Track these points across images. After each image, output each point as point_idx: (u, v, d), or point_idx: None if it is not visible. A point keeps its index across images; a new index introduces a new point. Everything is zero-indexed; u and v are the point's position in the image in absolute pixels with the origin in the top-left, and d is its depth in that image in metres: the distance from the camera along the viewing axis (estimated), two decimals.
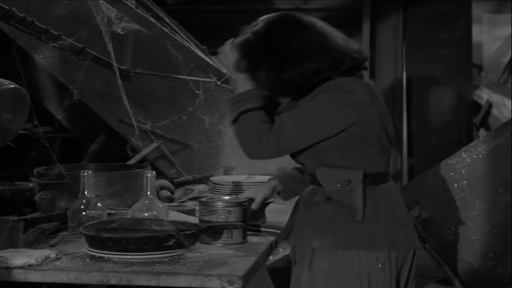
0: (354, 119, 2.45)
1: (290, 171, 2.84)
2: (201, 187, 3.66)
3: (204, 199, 2.70)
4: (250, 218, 2.76)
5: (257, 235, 2.77)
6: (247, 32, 2.57)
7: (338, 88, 2.48)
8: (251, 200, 2.76)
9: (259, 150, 2.49)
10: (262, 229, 2.80)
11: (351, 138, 2.47)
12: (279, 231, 2.72)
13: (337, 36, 2.58)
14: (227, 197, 2.76)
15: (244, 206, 2.67)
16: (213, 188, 3.47)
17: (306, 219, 2.54)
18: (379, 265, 2.45)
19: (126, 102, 3.14)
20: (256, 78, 2.54)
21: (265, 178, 3.10)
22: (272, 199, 2.86)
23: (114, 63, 3.39)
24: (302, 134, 2.46)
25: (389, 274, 2.47)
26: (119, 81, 3.34)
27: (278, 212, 2.98)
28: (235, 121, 2.53)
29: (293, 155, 2.61)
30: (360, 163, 2.48)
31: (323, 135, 2.46)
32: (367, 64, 2.64)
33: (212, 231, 2.59)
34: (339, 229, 2.46)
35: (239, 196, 2.80)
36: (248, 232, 2.71)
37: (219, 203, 2.64)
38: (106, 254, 2.32)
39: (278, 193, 2.82)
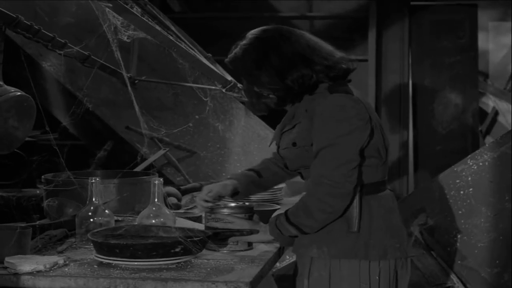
0: (370, 132, 2.48)
1: (248, 172, 2.82)
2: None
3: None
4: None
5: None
6: (236, 48, 2.60)
7: (340, 113, 2.47)
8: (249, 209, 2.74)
9: (338, 207, 2.46)
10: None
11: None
12: None
13: (325, 44, 2.59)
14: (233, 204, 2.77)
15: (250, 213, 2.67)
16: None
17: None
18: (376, 277, 2.47)
19: (137, 109, 3.15)
20: (258, 86, 2.56)
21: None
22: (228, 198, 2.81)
23: (124, 71, 3.40)
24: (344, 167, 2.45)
25: (386, 284, 2.48)
26: (130, 89, 3.35)
27: None
28: (300, 228, 2.49)
29: (291, 168, 2.62)
30: (361, 178, 2.50)
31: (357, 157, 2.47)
32: (350, 77, 2.63)
33: (218, 238, 2.60)
34: (335, 239, 2.48)
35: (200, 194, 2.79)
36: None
37: (225, 210, 2.64)
38: (113, 261, 2.33)
39: (236, 193, 2.77)
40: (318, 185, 2.45)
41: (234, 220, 2.61)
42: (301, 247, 2.55)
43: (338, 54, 2.57)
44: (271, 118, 2.98)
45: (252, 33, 2.60)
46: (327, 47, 2.58)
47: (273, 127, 4.58)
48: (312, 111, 2.50)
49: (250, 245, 2.65)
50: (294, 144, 2.54)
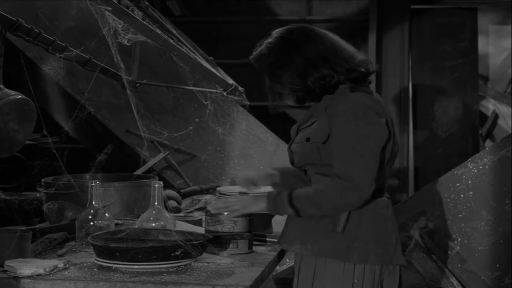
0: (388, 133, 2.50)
1: (291, 167, 2.83)
2: (207, 197, 3.67)
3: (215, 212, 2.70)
4: (256, 228, 2.78)
5: (263, 245, 2.78)
6: (261, 46, 2.61)
7: (362, 112, 2.49)
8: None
9: (352, 206, 2.47)
10: (268, 239, 2.81)
11: None
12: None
13: (348, 46, 2.61)
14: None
15: (250, 216, 2.68)
16: (219, 198, 3.48)
17: (292, 224, 2.58)
18: (355, 280, 2.47)
19: (136, 113, 3.15)
20: (280, 85, 2.57)
21: (271, 188, 3.11)
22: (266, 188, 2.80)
23: (123, 75, 3.40)
24: (370, 175, 2.45)
25: (361, 286, 2.48)
26: (129, 92, 3.35)
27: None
28: (298, 213, 2.50)
29: (297, 164, 2.63)
30: None
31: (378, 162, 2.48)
32: (370, 79, 2.65)
33: (218, 241, 2.60)
34: (319, 237, 2.49)
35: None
36: (254, 243, 2.72)
37: (225, 213, 2.64)
38: (114, 264, 2.33)
39: (275, 184, 2.78)
40: (342, 181, 2.44)
41: (236, 222, 2.62)
42: (284, 242, 2.57)
43: (359, 56, 2.61)
44: (273, 121, 2.99)
45: (277, 32, 2.62)
46: (349, 48, 2.61)
47: (274, 131, 4.60)
48: (331, 110, 2.52)
49: (250, 248, 2.66)
50: (308, 139, 2.55)
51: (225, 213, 2.64)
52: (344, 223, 2.47)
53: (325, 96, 2.57)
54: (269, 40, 2.60)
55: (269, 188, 2.76)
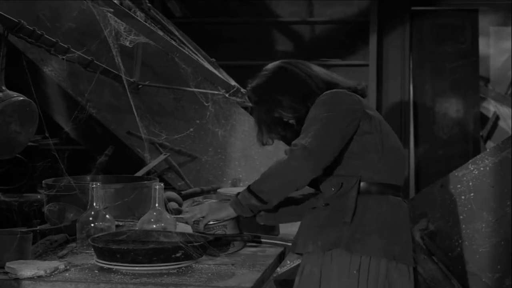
0: (357, 120, 2.54)
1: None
2: (207, 199, 3.67)
3: (194, 220, 2.70)
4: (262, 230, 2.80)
5: (269, 247, 2.78)
6: (257, 78, 2.72)
7: (332, 97, 2.59)
8: None
9: (297, 174, 2.50)
10: (272, 241, 2.81)
11: (352, 146, 2.54)
12: (289, 244, 2.74)
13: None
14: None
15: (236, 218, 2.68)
16: (221, 200, 3.48)
17: (304, 225, 2.61)
18: (354, 272, 2.48)
19: (136, 114, 3.15)
20: (281, 109, 2.64)
21: None
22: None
23: (124, 76, 3.40)
24: (324, 140, 2.50)
25: (365, 281, 2.49)
26: (129, 94, 3.35)
27: (292, 225, 2.99)
28: (258, 197, 2.53)
29: None
30: (356, 170, 2.54)
31: (341, 138, 2.53)
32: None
33: (219, 243, 2.60)
34: (328, 232, 2.51)
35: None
36: (258, 245, 2.74)
37: (211, 222, 2.64)
38: (114, 266, 2.34)
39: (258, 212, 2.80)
40: (287, 153, 2.51)
41: (225, 226, 2.63)
42: (297, 247, 2.59)
43: (351, 81, 2.73)
44: None
45: (272, 64, 2.74)
46: (338, 76, 2.74)
47: None
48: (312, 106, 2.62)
49: (244, 245, 2.67)
50: (285, 136, 2.65)
51: (211, 222, 2.65)
52: (352, 213, 2.49)
53: None
54: (265, 72, 2.72)
55: None
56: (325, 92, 2.61)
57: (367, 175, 2.55)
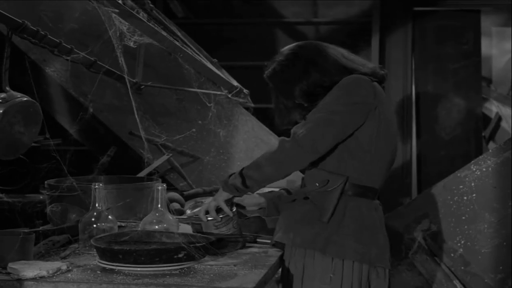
0: (364, 118, 2.51)
1: (279, 191, 2.86)
2: (210, 199, 3.67)
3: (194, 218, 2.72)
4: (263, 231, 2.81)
5: (270, 247, 2.78)
6: (273, 64, 2.68)
7: (343, 87, 2.54)
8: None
9: (287, 163, 2.50)
10: (273, 241, 2.82)
11: (348, 142, 2.52)
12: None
13: (356, 56, 2.70)
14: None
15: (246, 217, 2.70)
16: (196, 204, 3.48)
17: (281, 215, 2.63)
18: (331, 275, 2.48)
19: (137, 115, 3.15)
20: (293, 96, 2.63)
21: (274, 190, 3.12)
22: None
23: (127, 77, 3.41)
24: (317, 137, 2.48)
25: (347, 284, 2.49)
26: (131, 95, 3.35)
27: None
28: (244, 181, 2.55)
29: None
30: (345, 169, 2.52)
31: (338, 134, 2.50)
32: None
33: (222, 244, 2.61)
34: (302, 227, 2.51)
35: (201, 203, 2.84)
36: (258, 245, 2.74)
37: (209, 218, 2.66)
38: (116, 266, 2.34)
39: (260, 208, 2.83)
40: (282, 140, 2.50)
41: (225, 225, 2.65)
42: (277, 237, 2.61)
43: (370, 64, 2.68)
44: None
45: (288, 49, 2.68)
46: (358, 57, 2.68)
47: (277, 133, 4.59)
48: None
49: (244, 245, 2.68)
50: (305, 118, 2.60)
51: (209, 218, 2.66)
52: (331, 213, 2.48)
53: None
54: (281, 58, 2.63)
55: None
56: (346, 78, 2.55)
57: (354, 176, 2.53)
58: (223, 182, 2.59)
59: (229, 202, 2.66)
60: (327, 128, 2.47)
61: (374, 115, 2.54)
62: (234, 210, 2.68)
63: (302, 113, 2.63)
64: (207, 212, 2.68)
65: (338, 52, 2.64)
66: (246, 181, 2.52)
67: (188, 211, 2.79)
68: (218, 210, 2.67)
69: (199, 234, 2.58)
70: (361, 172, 2.53)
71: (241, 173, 2.54)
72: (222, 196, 2.63)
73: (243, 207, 2.82)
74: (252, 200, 2.81)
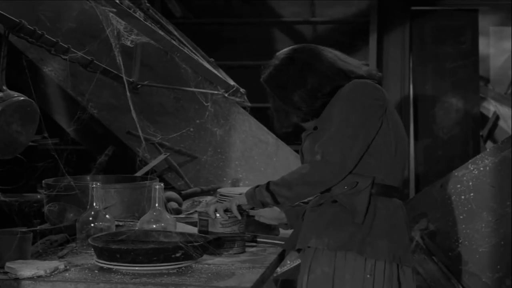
0: (381, 119, 2.52)
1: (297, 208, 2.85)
2: (208, 198, 3.67)
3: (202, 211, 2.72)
4: (263, 231, 2.80)
5: (269, 247, 2.78)
6: (269, 68, 2.66)
7: (353, 94, 2.53)
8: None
9: (323, 180, 2.49)
10: (272, 241, 2.82)
11: (372, 145, 2.52)
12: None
13: (351, 58, 2.68)
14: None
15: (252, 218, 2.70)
16: (220, 200, 3.48)
17: (309, 220, 2.58)
18: (368, 276, 2.47)
19: (134, 115, 3.15)
20: (291, 101, 2.60)
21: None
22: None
23: (124, 75, 3.40)
24: (346, 151, 2.48)
25: (379, 284, 2.48)
26: (128, 94, 3.35)
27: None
28: (274, 198, 2.54)
29: (306, 158, 2.64)
30: (371, 171, 2.52)
31: (364, 143, 2.50)
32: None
33: (220, 243, 2.60)
34: (336, 231, 2.49)
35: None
36: (257, 244, 2.74)
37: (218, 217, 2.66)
38: (114, 266, 2.34)
39: (285, 224, 2.83)
40: (313, 158, 2.48)
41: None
42: (301, 239, 2.56)
43: (364, 66, 2.66)
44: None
45: (283, 53, 2.66)
46: (353, 59, 2.66)
47: (275, 132, 4.59)
48: (335, 98, 2.56)
49: (243, 249, 2.68)
50: (315, 128, 2.58)
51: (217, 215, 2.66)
52: (364, 214, 2.48)
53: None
54: (276, 62, 2.63)
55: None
56: (352, 84, 2.55)
57: (380, 176, 2.52)
58: (249, 195, 2.58)
59: (241, 209, 2.66)
60: (353, 141, 2.47)
61: (386, 116, 2.55)
62: (243, 217, 2.68)
63: (300, 116, 2.63)
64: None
65: (333, 54, 2.63)
66: (277, 198, 2.52)
67: (201, 207, 2.78)
68: (227, 210, 2.67)
69: (196, 234, 2.58)
70: (385, 172, 2.53)
71: (268, 189, 2.53)
72: (239, 201, 2.63)
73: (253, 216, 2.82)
74: (273, 214, 2.81)
